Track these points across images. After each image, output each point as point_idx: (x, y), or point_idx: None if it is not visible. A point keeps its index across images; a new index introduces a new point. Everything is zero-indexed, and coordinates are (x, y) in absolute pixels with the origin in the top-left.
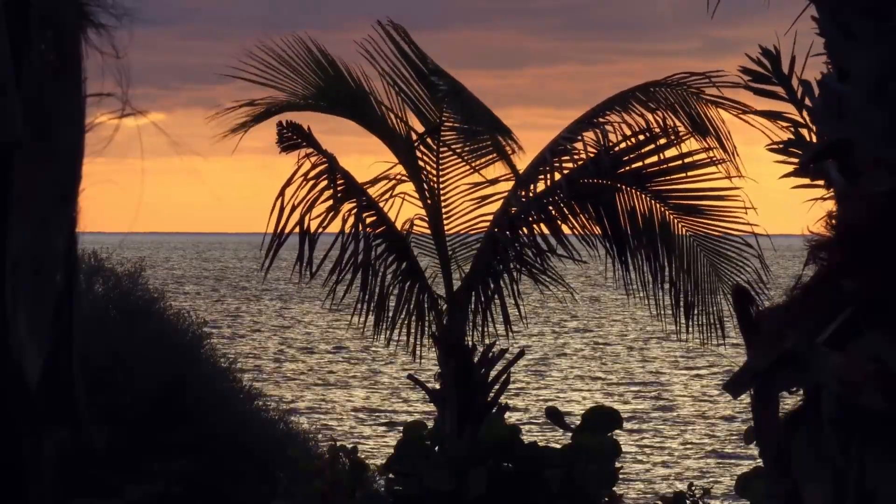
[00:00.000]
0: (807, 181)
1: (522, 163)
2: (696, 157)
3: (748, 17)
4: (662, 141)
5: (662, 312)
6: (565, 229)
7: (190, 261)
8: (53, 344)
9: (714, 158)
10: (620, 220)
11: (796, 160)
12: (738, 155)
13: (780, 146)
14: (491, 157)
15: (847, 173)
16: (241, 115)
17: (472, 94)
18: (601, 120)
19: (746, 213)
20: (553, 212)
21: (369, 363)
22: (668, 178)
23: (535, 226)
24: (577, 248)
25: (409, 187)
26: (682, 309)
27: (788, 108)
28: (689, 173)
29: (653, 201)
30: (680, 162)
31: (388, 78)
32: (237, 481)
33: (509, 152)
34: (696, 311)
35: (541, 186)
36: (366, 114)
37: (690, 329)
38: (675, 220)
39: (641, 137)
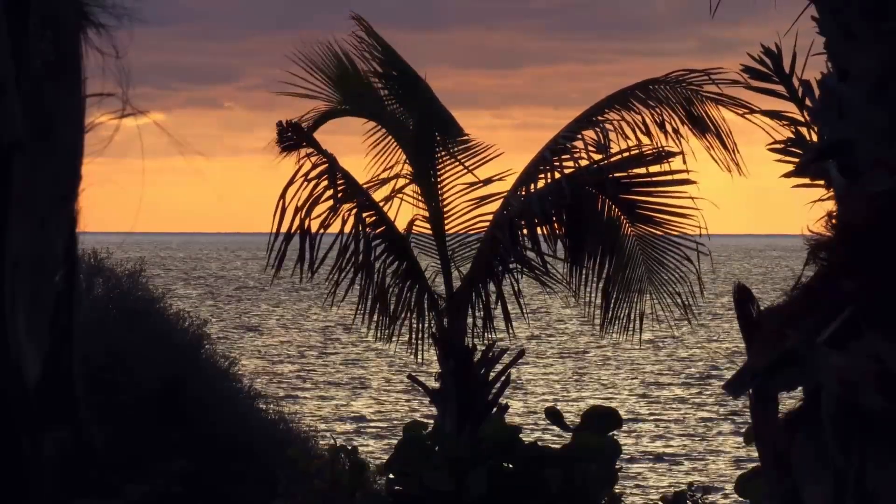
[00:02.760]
0: (807, 181)
1: (520, 163)
2: (678, 176)
3: (746, 17)
4: (648, 148)
5: (591, 305)
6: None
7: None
8: (53, 344)
9: (690, 178)
10: (581, 221)
11: (796, 159)
12: (738, 152)
13: (781, 145)
14: (485, 156)
15: (847, 173)
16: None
17: (430, 89)
18: (601, 118)
19: (700, 233)
20: (536, 218)
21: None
22: (643, 189)
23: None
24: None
25: (409, 187)
26: (609, 304)
27: (790, 107)
28: (664, 189)
29: (613, 206)
30: (664, 178)
31: (380, 80)
32: (237, 481)
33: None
34: (620, 309)
35: (539, 185)
36: (383, 116)
37: (613, 322)
38: (626, 224)
39: (631, 153)
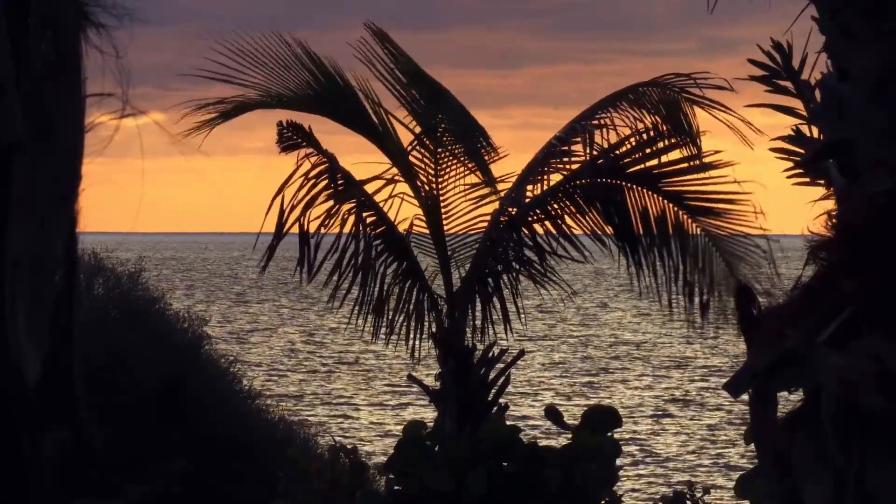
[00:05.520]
0: (808, 179)
1: (519, 164)
2: (709, 159)
3: (745, 16)
4: (663, 143)
5: (678, 310)
6: (575, 229)
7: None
8: (53, 344)
9: (725, 162)
10: (632, 220)
11: (797, 158)
12: (700, 149)
13: (784, 140)
14: (487, 157)
15: (847, 173)
16: (209, 112)
17: (455, 97)
18: (592, 123)
19: (756, 217)
20: (555, 210)
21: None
22: (677, 178)
23: (535, 225)
24: (589, 249)
25: (407, 187)
26: (697, 307)
27: (797, 104)
28: (699, 175)
29: (665, 202)
30: (686, 164)
31: (384, 81)
32: (237, 481)
33: (486, 157)
34: (711, 310)
35: (538, 188)
36: (353, 115)
37: (705, 327)
38: (689, 221)
39: (643, 137)
